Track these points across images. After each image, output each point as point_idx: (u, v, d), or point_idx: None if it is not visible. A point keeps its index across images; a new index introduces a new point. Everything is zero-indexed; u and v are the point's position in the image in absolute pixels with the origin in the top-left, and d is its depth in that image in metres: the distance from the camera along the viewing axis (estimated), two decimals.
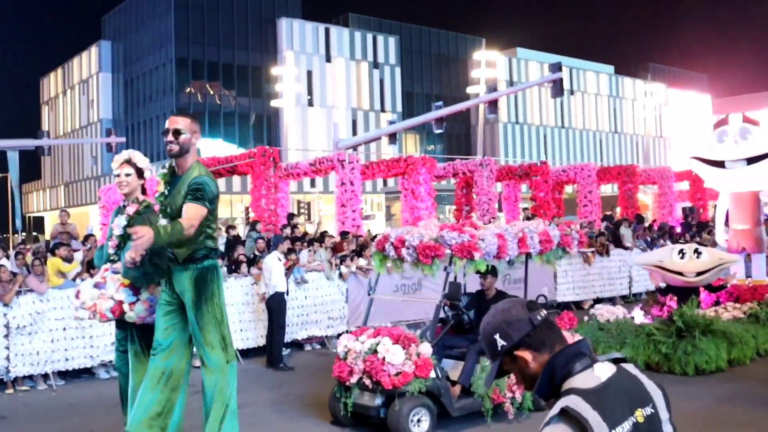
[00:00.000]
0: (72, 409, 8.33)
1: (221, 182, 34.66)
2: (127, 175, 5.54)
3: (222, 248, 13.12)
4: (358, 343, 6.87)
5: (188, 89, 46.65)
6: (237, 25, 47.62)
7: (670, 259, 10.40)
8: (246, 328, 11.05)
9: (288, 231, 14.30)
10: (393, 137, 22.42)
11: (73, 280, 9.98)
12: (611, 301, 15.84)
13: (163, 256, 5.34)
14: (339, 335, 9.67)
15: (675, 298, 10.28)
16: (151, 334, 5.43)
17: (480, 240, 6.89)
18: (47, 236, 34.74)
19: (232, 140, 46.47)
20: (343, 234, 14.84)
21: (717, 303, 11.26)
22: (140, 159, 5.65)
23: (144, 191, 5.76)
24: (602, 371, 1.89)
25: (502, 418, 7.05)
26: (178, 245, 5.19)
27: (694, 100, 73.11)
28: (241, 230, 22.24)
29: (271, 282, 10.37)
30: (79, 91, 55.85)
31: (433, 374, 6.68)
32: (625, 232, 17.37)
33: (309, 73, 48.64)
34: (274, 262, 10.40)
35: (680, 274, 10.29)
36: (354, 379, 6.74)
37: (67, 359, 9.49)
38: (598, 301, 15.54)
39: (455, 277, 7.59)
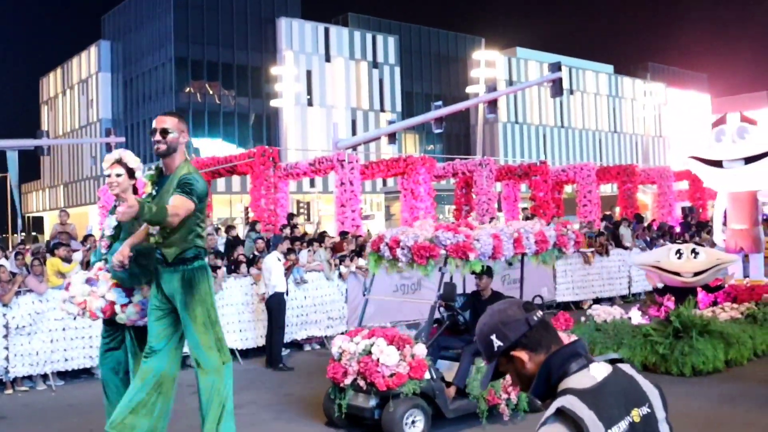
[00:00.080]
0: (71, 410, 8.33)
1: (221, 182, 34.90)
2: (118, 175, 5.48)
3: (222, 248, 13.13)
4: (352, 344, 6.84)
5: (188, 89, 46.64)
6: (236, 24, 47.62)
7: (668, 260, 10.38)
8: (245, 328, 11.05)
9: (287, 231, 14.30)
10: (392, 137, 22.42)
11: None
12: (610, 301, 15.84)
13: (149, 257, 5.29)
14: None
15: (672, 298, 10.26)
16: (146, 335, 5.42)
17: (475, 240, 6.85)
18: (47, 236, 34.73)
19: (231, 140, 46.48)
20: (343, 234, 14.85)
21: (715, 303, 11.21)
22: (131, 159, 5.61)
23: (135, 191, 5.73)
24: (598, 371, 1.89)
25: (497, 419, 7.01)
26: (166, 245, 5.13)
27: (693, 100, 73.14)
28: (241, 230, 22.25)
29: (270, 282, 10.37)
30: (78, 91, 55.84)
31: (427, 375, 6.64)
32: (625, 231, 17.38)
33: (308, 73, 48.64)
34: (273, 263, 10.40)
35: (677, 274, 10.26)
36: (348, 381, 6.71)
37: (66, 359, 9.49)
38: (597, 301, 15.53)
39: (451, 278, 7.58)
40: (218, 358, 5.29)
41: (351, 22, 53.61)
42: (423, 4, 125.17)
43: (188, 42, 45.97)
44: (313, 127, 47.94)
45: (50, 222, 51.16)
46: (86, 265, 10.48)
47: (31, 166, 53.62)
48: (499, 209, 23.32)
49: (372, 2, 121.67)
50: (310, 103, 48.68)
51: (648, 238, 17.68)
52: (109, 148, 28.67)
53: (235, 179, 37.58)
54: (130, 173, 5.54)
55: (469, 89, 42.39)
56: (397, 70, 53.41)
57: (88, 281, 5.53)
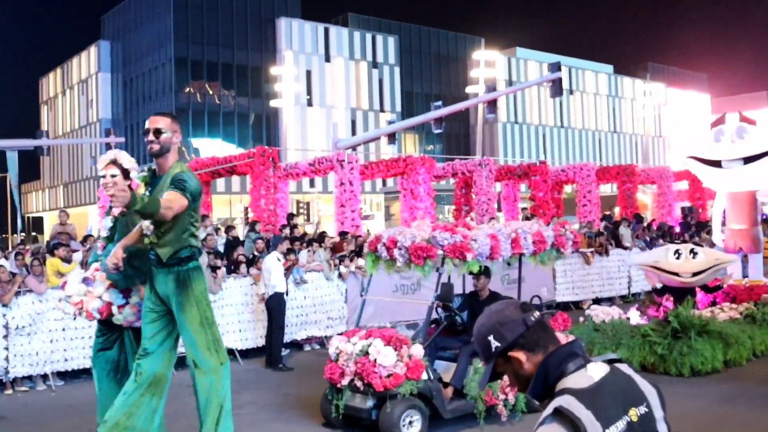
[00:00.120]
0: (71, 410, 8.33)
1: (220, 182, 34.88)
2: (113, 176, 5.41)
3: (221, 248, 13.14)
4: (349, 345, 6.82)
5: (187, 89, 46.65)
6: (236, 24, 47.62)
7: (666, 260, 10.35)
8: (245, 328, 11.06)
9: (287, 231, 14.31)
10: (392, 137, 22.43)
11: None
12: (610, 301, 15.86)
13: (143, 258, 5.27)
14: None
15: (671, 298, 10.23)
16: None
17: (472, 241, 6.83)
18: (46, 236, 34.73)
19: (231, 140, 46.48)
20: (342, 234, 14.85)
21: (713, 303, 11.19)
22: (126, 159, 5.58)
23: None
24: (595, 371, 1.90)
25: (494, 420, 7.00)
26: (160, 245, 5.09)
27: (693, 100, 73.15)
28: (240, 230, 22.25)
29: (270, 282, 10.38)
30: (78, 91, 55.84)
31: (425, 376, 6.62)
32: (624, 231, 17.39)
33: (308, 73, 48.65)
34: (273, 263, 10.40)
35: (676, 274, 10.23)
36: (345, 381, 6.69)
37: (66, 360, 9.49)
38: (597, 301, 15.55)
39: (449, 278, 7.57)
40: (216, 359, 5.28)
41: (351, 22, 53.61)
42: (423, 5, 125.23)
43: (188, 42, 45.97)
44: (312, 127, 47.95)
45: (50, 222, 51.16)
46: (86, 265, 10.49)
47: (30, 167, 53.65)
48: (499, 209, 23.33)
49: (372, 2, 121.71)
50: (309, 103, 48.69)
51: (648, 238, 17.68)
52: (108, 148, 28.65)
53: (235, 179, 37.59)
54: (125, 174, 5.50)
55: (468, 89, 42.40)
56: (397, 70, 53.42)
57: (85, 281, 5.51)
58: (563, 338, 2.08)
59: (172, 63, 45.80)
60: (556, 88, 22.07)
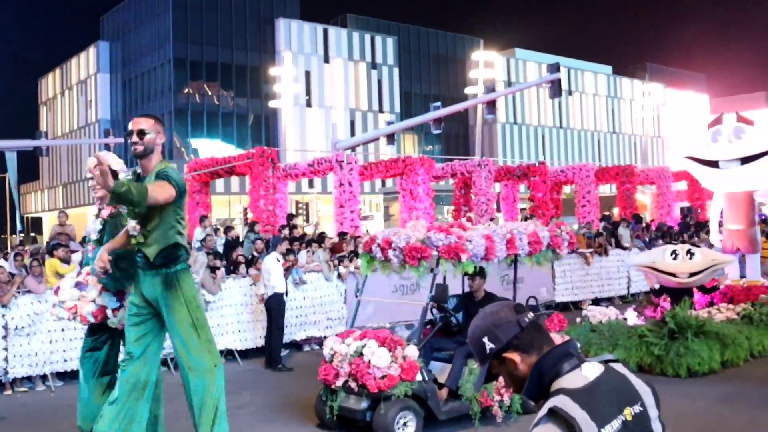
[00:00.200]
0: (71, 410, 8.29)
1: (219, 183, 34.86)
2: None
3: (221, 249, 13.14)
4: (344, 346, 6.78)
5: (186, 89, 46.64)
6: (235, 25, 47.62)
7: (663, 260, 10.33)
8: (245, 329, 11.07)
9: (286, 232, 14.31)
10: (391, 138, 22.42)
11: None
12: (609, 301, 15.87)
13: (130, 260, 5.23)
14: None
15: (668, 299, 10.22)
16: None
17: (467, 241, 6.80)
18: (45, 237, 34.71)
19: (230, 141, 46.48)
20: (342, 235, 14.86)
21: (711, 304, 11.17)
22: (114, 161, 5.56)
23: None
24: (590, 371, 1.92)
25: (490, 421, 6.97)
26: (146, 244, 5.03)
27: (692, 100, 73.20)
28: (240, 231, 22.25)
29: (269, 283, 10.38)
30: (77, 92, 55.81)
31: (419, 377, 6.58)
32: (624, 232, 17.40)
33: (307, 74, 48.65)
34: (272, 263, 10.41)
35: (673, 275, 10.22)
36: (340, 382, 6.66)
37: (65, 360, 9.49)
38: (596, 301, 15.56)
39: (444, 279, 7.55)
40: (210, 360, 5.23)
41: (350, 23, 53.62)
42: (421, 5, 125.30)
43: (187, 42, 45.96)
44: (311, 127, 47.95)
45: (49, 223, 51.15)
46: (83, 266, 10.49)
47: (29, 167, 53.59)
48: (498, 210, 23.35)
49: (370, 3, 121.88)
50: (308, 104, 48.70)
51: (647, 239, 17.70)
52: (108, 148, 28.67)
53: (234, 180, 37.56)
54: (114, 175, 5.48)
55: (467, 90, 42.41)
56: (396, 70, 53.43)
57: (78, 285, 5.48)
58: (558, 339, 2.09)
59: (171, 63, 45.80)
60: (555, 88, 22.08)
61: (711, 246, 13.21)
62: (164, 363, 10.04)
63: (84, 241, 12.56)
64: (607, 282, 16.12)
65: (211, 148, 43.71)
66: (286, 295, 10.66)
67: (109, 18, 54.28)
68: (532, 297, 8.06)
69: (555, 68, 22.40)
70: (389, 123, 27.39)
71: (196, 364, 5.18)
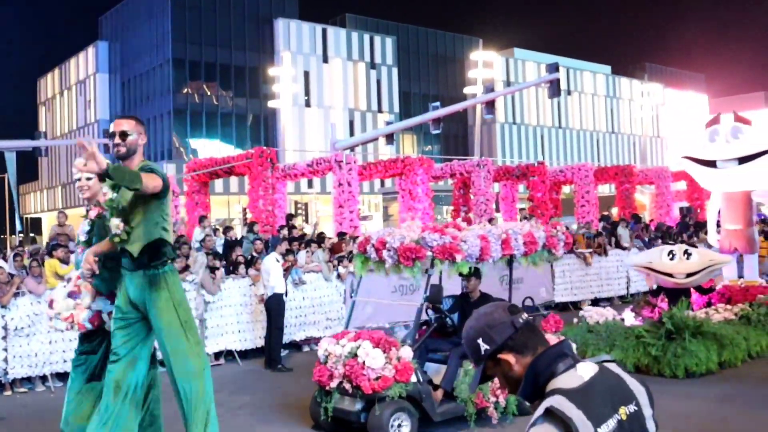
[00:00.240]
0: None
1: (218, 183, 34.86)
2: (88, 178, 5.37)
3: (220, 249, 13.15)
4: (338, 347, 6.74)
5: (185, 90, 46.63)
6: (234, 25, 47.61)
7: (660, 261, 10.29)
8: (244, 329, 11.07)
9: (285, 232, 14.31)
10: (390, 138, 22.43)
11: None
12: (609, 301, 15.89)
13: (118, 260, 5.17)
14: None
15: (666, 299, 10.19)
16: None
17: (462, 242, 6.76)
18: (45, 237, 34.68)
19: (229, 141, 46.48)
20: (341, 235, 14.87)
21: (709, 304, 11.13)
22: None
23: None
24: (585, 371, 1.93)
25: (485, 422, 6.94)
26: (131, 241, 4.96)
27: (691, 100, 73.24)
28: (239, 231, 22.24)
29: (269, 283, 10.39)
30: (76, 92, 55.79)
31: (414, 378, 6.55)
32: (623, 232, 17.41)
33: (306, 74, 48.65)
34: (272, 264, 10.41)
35: (670, 275, 10.20)
36: (334, 384, 6.63)
37: (65, 361, 9.48)
38: (595, 301, 15.57)
39: (440, 279, 7.53)
40: (198, 364, 5.16)
41: (348, 23, 53.63)
42: (420, 5, 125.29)
43: (186, 43, 45.95)
44: (310, 127, 47.95)
45: (48, 223, 51.13)
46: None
47: (29, 167, 53.55)
48: (497, 210, 23.35)
49: (369, 3, 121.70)
50: (307, 104, 48.69)
51: (646, 239, 17.71)
52: (107, 149, 28.64)
53: (233, 180, 37.53)
54: (101, 177, 5.47)
55: (466, 90, 42.42)
56: (395, 70, 53.43)
57: (71, 295, 5.44)
58: (553, 339, 2.10)
59: (170, 64, 45.79)
60: (554, 88, 22.07)
61: (710, 246, 13.21)
62: (163, 364, 10.05)
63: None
64: (607, 282, 16.13)
65: (210, 148, 43.70)
66: (286, 295, 10.66)
67: (108, 18, 54.26)
68: (529, 298, 8.05)
69: (554, 68, 22.40)
70: (388, 123, 27.39)
71: (184, 368, 5.13)
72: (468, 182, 21.76)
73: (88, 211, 5.55)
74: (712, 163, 11.75)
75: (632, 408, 1.93)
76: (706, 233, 17.12)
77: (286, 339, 11.10)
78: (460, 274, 7.22)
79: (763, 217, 20.95)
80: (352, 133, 46.80)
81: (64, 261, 10.34)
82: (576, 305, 15.35)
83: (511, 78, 57.91)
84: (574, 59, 62.91)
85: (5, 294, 9.16)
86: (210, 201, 20.23)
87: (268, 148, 19.16)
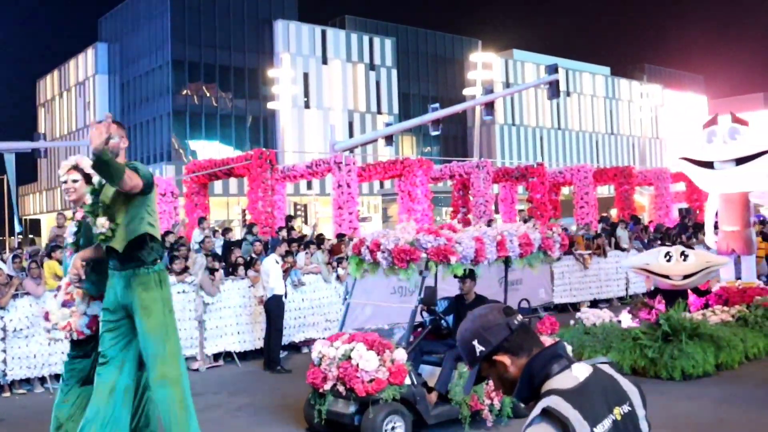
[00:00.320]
0: None
1: (218, 184, 34.89)
2: (74, 181, 5.36)
3: (219, 251, 13.15)
4: (332, 349, 6.71)
5: (185, 91, 46.65)
6: (233, 27, 47.64)
7: (657, 262, 10.27)
8: (243, 330, 11.07)
9: (283, 233, 14.31)
10: (389, 139, 22.44)
11: None
12: (608, 302, 15.90)
13: (106, 262, 5.15)
14: None
15: (663, 301, 10.16)
16: None
17: (456, 243, 6.74)
18: (44, 239, 34.64)
19: (228, 142, 46.49)
20: (340, 236, 14.87)
21: (706, 306, 11.10)
22: (88, 164, 5.51)
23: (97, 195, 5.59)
24: (580, 371, 1.95)
25: (480, 425, 6.92)
26: (116, 238, 4.93)
27: (690, 101, 73.29)
28: (238, 233, 22.25)
29: (269, 285, 10.39)
30: (75, 93, 55.82)
31: (408, 381, 6.51)
32: (622, 233, 17.42)
33: (305, 75, 48.67)
34: (271, 265, 10.41)
35: (667, 277, 10.17)
36: (328, 386, 6.60)
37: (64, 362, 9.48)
38: (594, 302, 15.58)
39: (435, 281, 7.51)
40: (176, 370, 5.09)
41: (348, 25, 53.66)
42: (419, 6, 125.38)
43: (185, 44, 45.97)
44: (310, 129, 47.97)
45: (47, 224, 51.09)
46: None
47: (28, 169, 53.60)
48: (497, 211, 23.35)
49: (368, 4, 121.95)
50: (307, 106, 48.71)
51: (645, 240, 17.72)
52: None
53: (232, 181, 37.52)
54: (87, 179, 5.40)
55: (465, 91, 42.46)
56: (394, 72, 53.46)
57: (65, 304, 5.42)
58: (548, 341, 2.11)
59: (170, 65, 45.81)
60: (554, 90, 22.09)
61: (708, 248, 13.20)
62: None
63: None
64: (606, 283, 16.13)
65: (209, 149, 43.72)
66: (285, 297, 10.66)
67: (108, 20, 54.29)
68: (524, 300, 8.03)
69: (553, 69, 22.42)
70: (387, 124, 27.42)
71: (162, 373, 5.04)
72: (467, 183, 21.77)
73: (74, 213, 5.54)
74: (709, 164, 11.70)
75: (626, 408, 1.95)
76: (704, 234, 17.14)
77: (285, 340, 11.10)
78: (456, 276, 7.20)
79: (762, 218, 20.97)
80: (351, 135, 46.82)
81: (62, 262, 10.33)
82: (575, 306, 15.36)
83: (511, 79, 57.95)
84: (574, 60, 62.95)
85: (4, 295, 9.16)
86: (209, 202, 20.24)
87: (267, 149, 19.17)
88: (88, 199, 5.17)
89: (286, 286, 10.72)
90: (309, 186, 38.90)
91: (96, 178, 5.41)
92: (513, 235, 7.34)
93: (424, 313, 7.46)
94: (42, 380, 9.54)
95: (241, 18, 47.93)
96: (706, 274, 10.41)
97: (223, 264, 11.57)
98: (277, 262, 10.51)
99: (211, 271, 10.81)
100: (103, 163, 4.45)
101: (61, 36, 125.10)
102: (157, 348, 5.04)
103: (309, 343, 11.94)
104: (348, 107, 50.70)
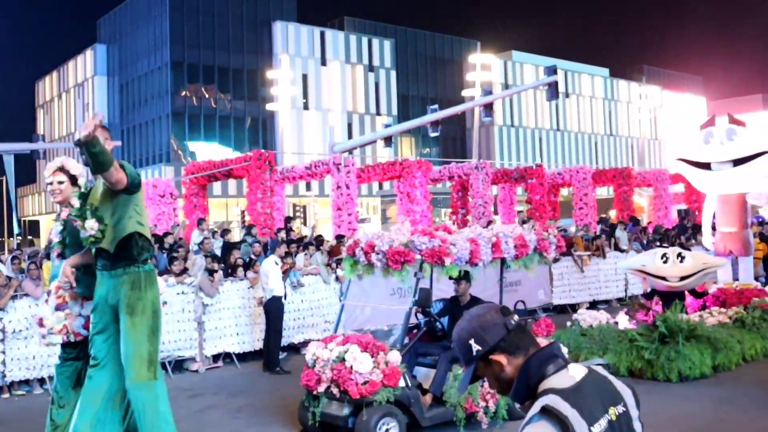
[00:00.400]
0: None
1: (217, 186, 34.89)
2: (60, 182, 5.39)
3: (218, 252, 13.15)
4: (326, 351, 6.69)
5: (183, 93, 46.66)
6: (232, 28, 47.65)
7: (653, 264, 10.24)
8: (242, 332, 11.08)
9: (282, 235, 14.32)
10: (388, 140, 22.45)
11: None
12: (607, 303, 15.91)
13: (95, 265, 5.16)
14: None
15: (660, 302, 10.14)
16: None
17: (451, 245, 6.71)
18: (43, 240, 34.66)
19: (227, 144, 46.50)
20: (339, 237, 14.88)
21: (704, 307, 11.08)
22: (74, 166, 5.49)
23: (85, 198, 5.60)
24: (576, 372, 1.97)
25: (475, 427, 6.90)
26: (105, 238, 4.95)
27: (689, 103, 73.36)
28: (237, 234, 22.25)
29: (268, 286, 10.40)
30: (74, 95, 55.81)
31: (402, 383, 6.49)
32: (621, 234, 17.43)
33: (304, 77, 48.68)
34: (271, 266, 10.42)
35: (663, 278, 10.16)
36: (322, 388, 6.58)
37: None
38: (593, 304, 15.59)
39: (431, 283, 7.50)
40: (152, 372, 5.04)
41: (347, 26, 53.70)
42: (418, 8, 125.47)
43: (184, 45, 45.98)
44: (309, 130, 47.98)
45: (46, 226, 51.05)
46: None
47: (27, 170, 53.50)
48: (496, 212, 23.36)
49: (367, 6, 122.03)
50: (306, 107, 48.73)
51: (644, 241, 17.72)
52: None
53: (231, 183, 37.54)
54: (73, 180, 5.42)
55: (464, 92, 42.50)
56: (393, 73, 53.49)
57: (58, 307, 5.43)
58: (544, 342, 2.13)
59: (169, 66, 45.81)
60: (552, 91, 22.13)
61: (706, 249, 13.19)
62: (162, 366, 10.05)
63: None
64: (605, 284, 16.14)
65: (208, 151, 43.70)
66: (285, 298, 10.66)
67: (106, 21, 54.28)
68: (520, 301, 8.03)
69: (552, 71, 22.46)
70: (386, 126, 27.44)
71: (139, 375, 5.00)
72: (466, 185, 21.77)
73: (59, 214, 5.56)
74: (706, 165, 11.69)
75: (621, 409, 1.98)
76: (702, 235, 17.13)
77: (284, 342, 11.10)
78: (451, 278, 7.18)
79: (761, 220, 20.99)
80: (350, 136, 46.82)
81: None
82: (574, 308, 15.36)
83: (510, 80, 57.99)
84: (572, 62, 63.01)
85: (3, 297, 9.17)
86: (208, 204, 20.22)
87: (266, 150, 19.16)
88: (76, 203, 5.18)
89: (285, 287, 10.73)
90: (308, 187, 38.90)
91: (82, 181, 5.44)
92: (508, 236, 7.32)
93: (419, 315, 7.42)
94: (41, 381, 9.54)
95: (239, 19, 47.95)
96: (703, 275, 10.38)
97: (223, 265, 11.58)
98: (277, 264, 10.51)
99: (211, 272, 10.81)
100: (92, 153, 4.49)
101: (60, 37, 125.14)
102: (137, 348, 5.01)
103: (308, 344, 11.93)
104: (347, 108, 50.72)
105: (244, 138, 47.60)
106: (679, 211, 24.71)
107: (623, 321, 9.91)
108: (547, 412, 1.83)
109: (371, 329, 10.61)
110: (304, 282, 11.77)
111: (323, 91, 49.57)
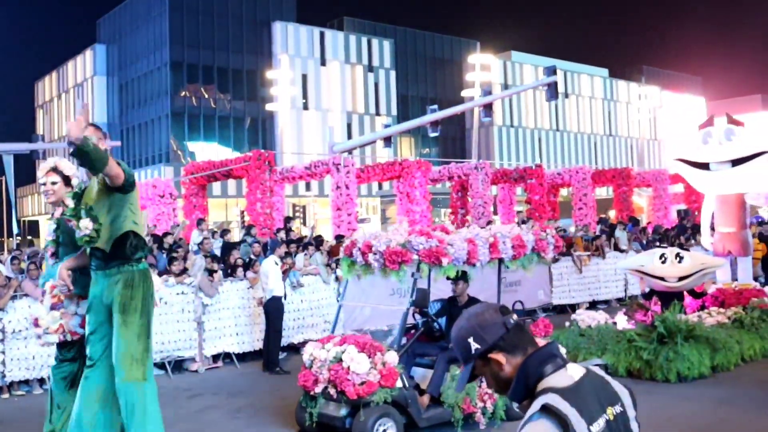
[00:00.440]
0: None
1: (216, 186, 34.90)
2: (53, 183, 5.40)
3: (218, 252, 13.16)
4: (323, 351, 6.67)
5: (183, 93, 46.66)
6: (232, 28, 47.66)
7: (652, 264, 10.23)
8: (242, 332, 11.08)
9: (282, 235, 14.32)
10: (388, 140, 22.46)
11: None
12: (607, 303, 15.92)
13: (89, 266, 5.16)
14: None
15: (659, 302, 10.13)
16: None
17: (448, 245, 6.70)
18: (42, 240, 34.60)
19: (227, 144, 46.49)
20: (339, 238, 14.88)
21: (702, 308, 11.06)
22: (67, 166, 5.49)
23: (79, 198, 5.61)
24: (574, 371, 1.99)
25: (472, 428, 6.88)
26: (100, 237, 4.95)
27: (688, 103, 73.39)
28: (237, 234, 22.25)
29: (268, 286, 10.40)
30: (74, 95, 55.79)
31: (399, 383, 6.46)
32: (620, 235, 17.44)
33: (304, 77, 48.69)
34: (270, 266, 10.43)
35: (662, 279, 10.15)
36: (319, 389, 6.56)
37: None
38: (593, 304, 15.60)
39: (429, 283, 7.49)
40: (143, 372, 5.05)
41: (346, 26, 53.71)
42: (418, 8, 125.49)
43: (184, 45, 45.98)
44: (308, 130, 47.99)
45: (46, 226, 51.05)
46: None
47: (26, 170, 53.45)
48: (495, 213, 23.37)
49: (367, 6, 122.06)
50: (305, 107, 48.74)
51: (644, 241, 17.73)
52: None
53: (231, 183, 37.55)
54: (66, 181, 5.43)
55: (464, 93, 42.50)
56: (393, 73, 53.50)
57: (54, 307, 5.43)
58: (542, 343, 2.14)
59: (168, 67, 45.81)
60: (552, 91, 22.14)
61: (706, 249, 13.18)
62: (162, 366, 10.06)
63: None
64: (604, 285, 16.15)
65: (207, 151, 43.70)
66: (285, 298, 10.66)
67: (106, 21, 54.28)
68: (519, 302, 8.02)
69: (551, 71, 22.47)
70: (386, 126, 27.47)
71: (128, 374, 5.00)
72: (466, 185, 21.78)
73: (52, 214, 5.57)
74: (705, 166, 11.66)
75: (618, 409, 1.99)
76: (701, 236, 17.12)
77: (284, 342, 11.11)
78: (448, 278, 7.17)
79: (760, 220, 21.00)
80: (349, 136, 46.83)
81: None
82: (574, 308, 15.37)
83: (509, 81, 58.00)
84: (572, 62, 63.05)
85: (3, 297, 9.18)
86: (208, 204, 20.23)
87: (266, 151, 19.17)
88: (70, 203, 5.18)
89: (285, 287, 10.73)
90: (308, 187, 38.90)
91: (75, 181, 5.45)
92: (506, 236, 7.30)
93: (417, 315, 7.41)
94: (41, 381, 9.53)
95: (239, 19, 47.95)
96: (702, 275, 10.37)
97: (222, 265, 11.58)
98: (276, 264, 10.52)
99: (210, 272, 10.82)
100: (84, 153, 4.49)
101: (60, 37, 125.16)
102: (129, 347, 5.01)
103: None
104: (346, 109, 50.74)
105: (243, 138, 47.60)
106: (679, 212, 24.73)
107: (622, 321, 9.88)
108: (547, 411, 1.84)
109: (371, 329, 10.63)
110: (304, 282, 11.77)
111: (323, 91, 49.59)
